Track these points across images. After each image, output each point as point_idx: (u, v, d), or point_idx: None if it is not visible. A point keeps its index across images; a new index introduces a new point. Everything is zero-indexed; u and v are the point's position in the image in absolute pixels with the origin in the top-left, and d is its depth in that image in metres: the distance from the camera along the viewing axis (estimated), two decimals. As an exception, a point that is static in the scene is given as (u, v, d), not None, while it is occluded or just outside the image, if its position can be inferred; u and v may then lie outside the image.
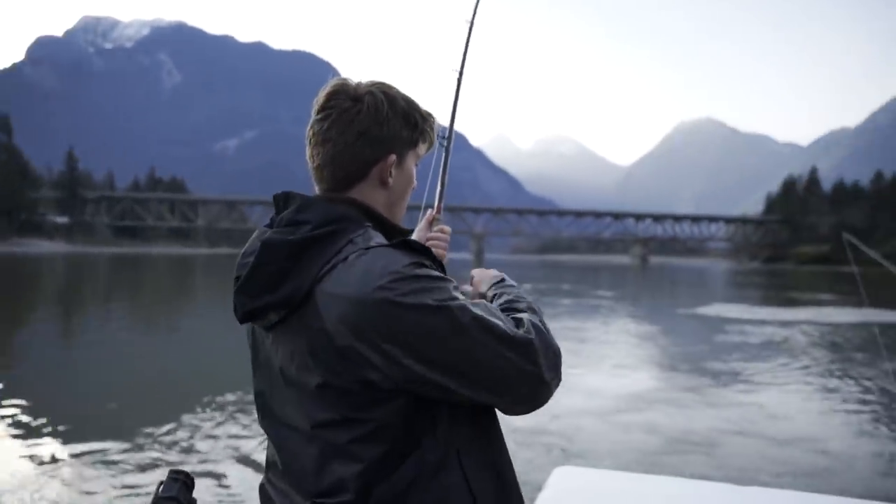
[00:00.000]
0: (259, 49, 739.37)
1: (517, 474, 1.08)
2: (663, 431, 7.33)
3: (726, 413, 8.33)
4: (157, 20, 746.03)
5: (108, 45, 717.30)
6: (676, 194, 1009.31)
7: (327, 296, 1.02)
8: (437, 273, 1.05)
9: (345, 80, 1.16)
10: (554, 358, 1.09)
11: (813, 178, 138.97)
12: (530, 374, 1.05)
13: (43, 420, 6.99)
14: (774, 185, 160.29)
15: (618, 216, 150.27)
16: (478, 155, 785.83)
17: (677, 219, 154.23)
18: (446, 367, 1.01)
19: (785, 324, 19.26)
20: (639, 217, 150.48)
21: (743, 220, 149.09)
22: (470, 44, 1.66)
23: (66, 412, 7.50)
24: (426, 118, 1.21)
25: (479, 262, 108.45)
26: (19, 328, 15.80)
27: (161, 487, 1.05)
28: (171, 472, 1.09)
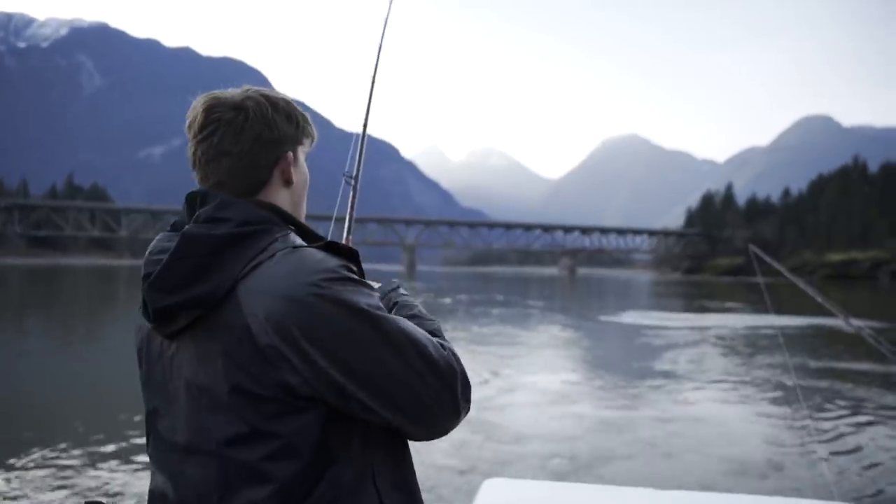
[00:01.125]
0: (186, 54, 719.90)
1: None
2: (586, 419, 8.18)
3: (642, 402, 9.34)
4: (76, 20, 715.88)
5: (22, 44, 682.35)
6: (603, 207, 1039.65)
7: (252, 292, 0.97)
8: (363, 280, 1.03)
9: (215, 93, 1.14)
10: (468, 389, 1.07)
11: (728, 194, 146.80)
12: (449, 403, 1.02)
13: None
14: (694, 200, 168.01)
15: (547, 228, 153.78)
16: (409, 167, 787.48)
17: (604, 231, 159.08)
18: (363, 377, 0.97)
19: (693, 328, 20.91)
20: (567, 229, 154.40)
21: (665, 233, 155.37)
22: (382, 49, 1.60)
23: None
24: (304, 113, 1.21)
25: (412, 273, 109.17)
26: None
27: None
28: (87, 502, 1.05)
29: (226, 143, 1.09)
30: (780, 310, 25.63)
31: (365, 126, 1.67)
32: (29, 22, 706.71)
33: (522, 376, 11.31)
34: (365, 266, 1.03)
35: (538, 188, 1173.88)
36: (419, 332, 1.02)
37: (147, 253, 1.08)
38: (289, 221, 1.11)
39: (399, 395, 0.98)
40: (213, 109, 1.10)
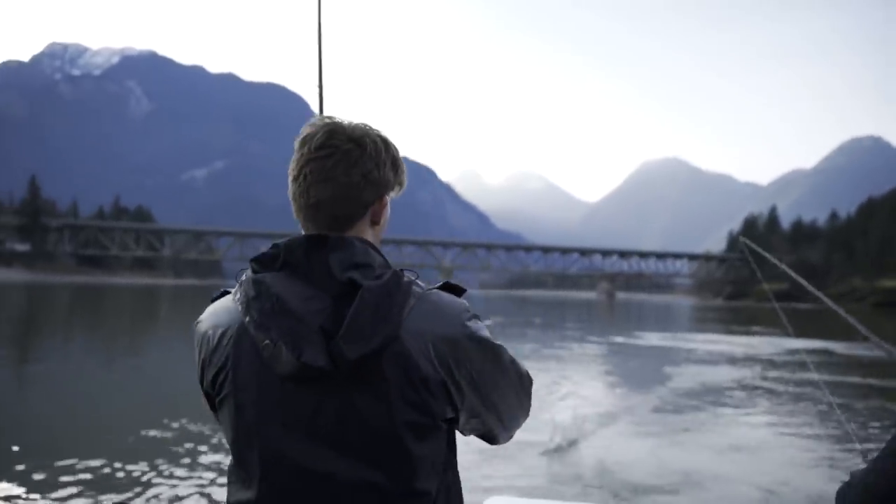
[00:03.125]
0: (230, 80, 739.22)
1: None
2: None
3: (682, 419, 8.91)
4: (127, 48, 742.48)
5: (76, 72, 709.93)
6: (642, 231, 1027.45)
7: (414, 334, 1.07)
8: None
9: (337, 120, 1.19)
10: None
11: (772, 217, 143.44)
12: (528, 410, 1.25)
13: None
14: (736, 224, 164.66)
15: (584, 252, 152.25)
16: (447, 189, 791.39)
17: (643, 255, 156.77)
18: (490, 400, 1.15)
19: (732, 351, 20.55)
20: (605, 253, 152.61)
21: (706, 258, 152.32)
22: (323, 54, 1.70)
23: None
24: (402, 164, 1.25)
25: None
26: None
27: None
28: None
29: (338, 171, 1.14)
30: (803, 333, 25.59)
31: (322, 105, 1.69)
32: (83, 51, 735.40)
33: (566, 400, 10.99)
34: None
35: (576, 211, 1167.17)
36: (512, 353, 1.18)
37: (263, 295, 1.09)
38: (385, 260, 1.18)
39: (506, 409, 1.19)
40: (335, 135, 1.15)
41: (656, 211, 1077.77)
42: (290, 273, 1.11)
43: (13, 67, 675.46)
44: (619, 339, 25.93)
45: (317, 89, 1.64)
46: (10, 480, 5.85)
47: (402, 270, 1.15)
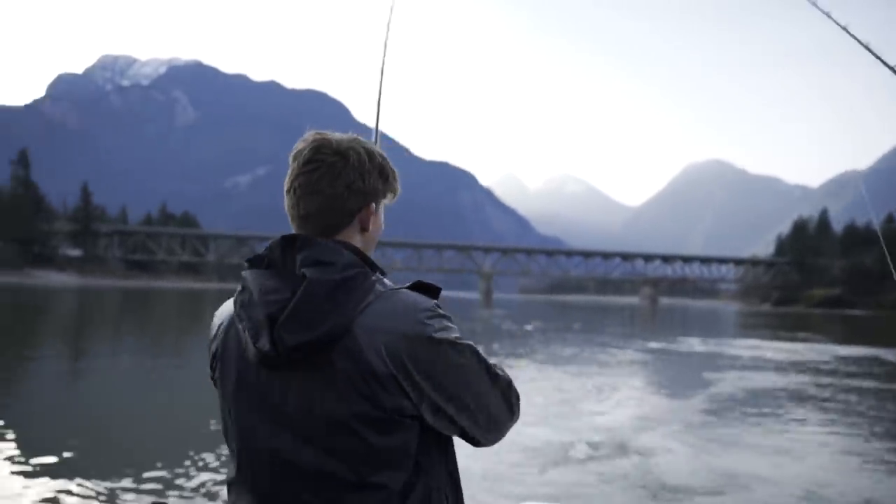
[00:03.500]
0: (272, 88, 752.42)
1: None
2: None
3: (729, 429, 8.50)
4: (173, 59, 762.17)
5: (126, 83, 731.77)
6: (685, 235, 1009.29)
7: (369, 330, 1.12)
8: (447, 313, 1.19)
9: (324, 134, 1.25)
10: (518, 399, 1.29)
11: (823, 220, 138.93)
12: (510, 413, 1.26)
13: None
14: (784, 227, 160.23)
15: (626, 256, 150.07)
16: (487, 194, 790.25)
17: (686, 259, 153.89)
18: (457, 399, 1.16)
19: (776, 357, 19.94)
20: (648, 257, 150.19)
21: (753, 262, 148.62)
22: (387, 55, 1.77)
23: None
24: (394, 172, 1.32)
25: (488, 301, 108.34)
26: (34, 360, 15.95)
27: None
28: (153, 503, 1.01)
29: (323, 183, 1.22)
30: (874, 342, 24.83)
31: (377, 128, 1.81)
32: (132, 62, 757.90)
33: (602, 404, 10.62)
34: (442, 293, 1.19)
35: (617, 215, 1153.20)
36: (484, 354, 1.21)
37: (257, 292, 1.17)
38: (368, 263, 1.22)
39: (479, 410, 1.19)
40: (321, 149, 1.23)
41: (700, 214, 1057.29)
42: (271, 270, 1.19)
43: (67, 79, 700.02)
44: (662, 345, 25.32)
45: (375, 102, 1.75)
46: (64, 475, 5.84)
47: (373, 271, 1.20)
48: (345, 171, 1.22)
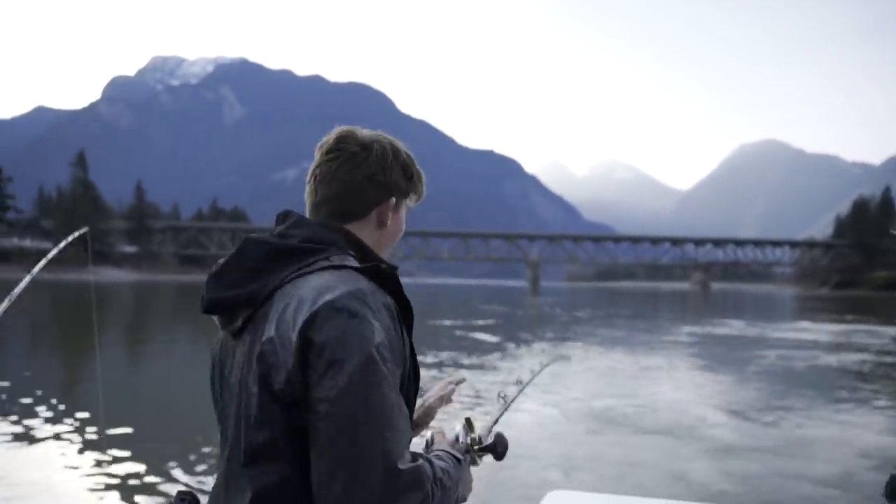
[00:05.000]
0: (316, 82, 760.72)
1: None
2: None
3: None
4: (220, 57, 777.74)
5: (175, 83, 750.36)
6: (738, 218, 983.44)
7: (285, 297, 1.04)
8: (385, 315, 1.04)
9: (352, 128, 1.24)
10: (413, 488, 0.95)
11: (886, 199, 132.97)
12: (375, 498, 0.93)
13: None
14: (843, 208, 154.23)
15: (676, 241, 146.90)
16: (533, 181, 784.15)
17: (739, 243, 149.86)
18: (324, 410, 0.95)
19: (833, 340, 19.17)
20: (698, 242, 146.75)
21: (810, 244, 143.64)
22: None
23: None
24: (420, 171, 1.28)
25: (535, 289, 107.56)
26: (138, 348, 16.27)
27: None
28: (179, 493, 1.09)
29: (342, 171, 1.19)
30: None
31: None
32: (181, 62, 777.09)
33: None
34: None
35: (666, 199, 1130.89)
36: (395, 413, 0.97)
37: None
38: (361, 249, 1.18)
39: (337, 450, 0.94)
40: (344, 140, 1.21)
41: (753, 196, 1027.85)
42: None
43: (121, 82, 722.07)
44: (717, 330, 24.62)
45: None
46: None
47: (371, 262, 1.13)
48: (366, 162, 1.19)
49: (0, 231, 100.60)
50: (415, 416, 1.25)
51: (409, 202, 1.29)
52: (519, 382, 1.67)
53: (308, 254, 1.09)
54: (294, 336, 0.98)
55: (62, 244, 1.90)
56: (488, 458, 1.18)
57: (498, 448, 1.16)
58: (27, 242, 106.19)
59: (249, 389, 1.01)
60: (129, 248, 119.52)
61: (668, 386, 11.58)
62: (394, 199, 1.23)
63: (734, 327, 26.44)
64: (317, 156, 1.23)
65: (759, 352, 17.09)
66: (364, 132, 1.23)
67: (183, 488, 1.04)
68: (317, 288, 1.02)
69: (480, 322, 27.41)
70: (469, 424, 1.20)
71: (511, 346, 18.35)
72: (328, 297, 0.99)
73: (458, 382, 1.52)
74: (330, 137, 1.23)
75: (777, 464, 6.67)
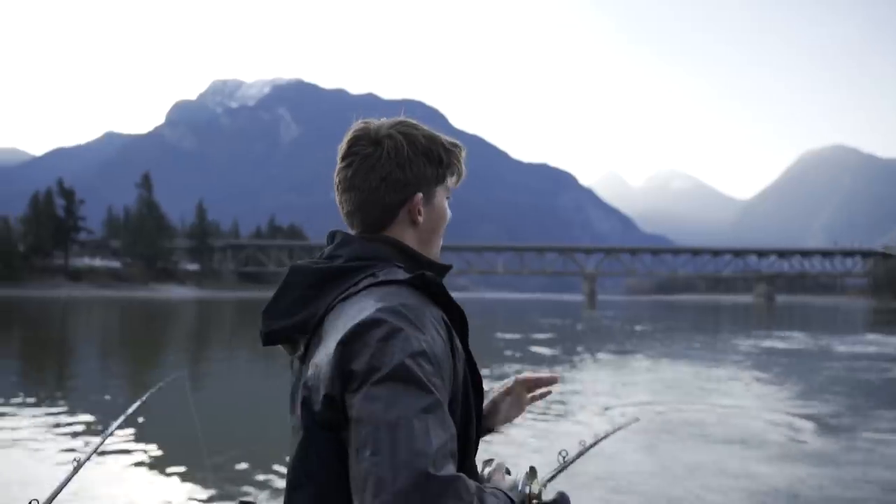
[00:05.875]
0: (370, 100, 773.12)
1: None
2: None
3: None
4: (276, 79, 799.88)
5: (234, 105, 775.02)
6: (804, 228, 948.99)
7: (329, 324, 1.02)
8: (430, 327, 0.98)
9: (366, 122, 1.18)
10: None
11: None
12: (396, 489, 0.84)
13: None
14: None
15: (738, 253, 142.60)
16: (588, 194, 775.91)
17: (805, 254, 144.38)
18: (358, 419, 0.91)
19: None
20: (762, 253, 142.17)
21: (885, 254, 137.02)
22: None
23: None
24: (450, 150, 1.20)
25: (592, 303, 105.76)
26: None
27: None
28: (240, 502, 1.09)
29: (357, 179, 1.14)
30: None
31: None
32: (239, 84, 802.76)
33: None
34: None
35: (727, 210, 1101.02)
36: (431, 421, 0.89)
37: None
38: (408, 255, 1.14)
39: (365, 462, 0.88)
40: (357, 142, 1.16)
41: (820, 205, 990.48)
42: None
43: (183, 106, 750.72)
44: (778, 344, 23.47)
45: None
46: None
47: (419, 267, 1.11)
48: (379, 163, 1.13)
49: (73, 252, 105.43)
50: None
51: (449, 184, 1.22)
52: (582, 443, 1.61)
53: (354, 273, 1.07)
54: (331, 360, 0.95)
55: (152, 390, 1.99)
56: None
57: None
58: (97, 262, 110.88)
59: (298, 412, 1.01)
60: (192, 266, 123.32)
61: (729, 398, 11.56)
62: (420, 194, 1.16)
63: (796, 340, 25.83)
64: (337, 160, 1.19)
65: (823, 363, 17.10)
66: (378, 125, 1.17)
67: (245, 498, 1.05)
68: (357, 309, 0.99)
69: (540, 336, 27.04)
70: (532, 473, 1.12)
71: (574, 359, 18.12)
72: (362, 317, 0.95)
73: (550, 383, 1.34)
74: (345, 139, 1.18)
75: (846, 471, 6.63)
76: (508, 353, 19.46)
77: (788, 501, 5.72)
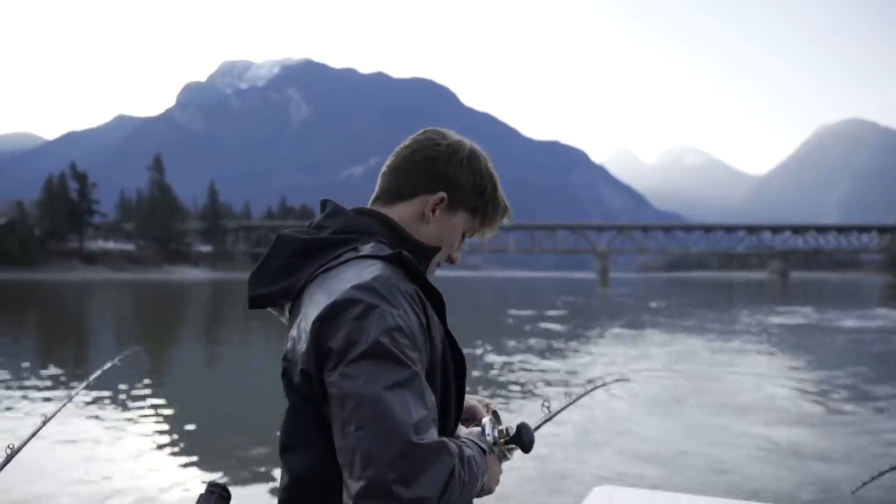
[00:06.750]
0: (380, 79, 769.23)
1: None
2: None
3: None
4: (286, 59, 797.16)
5: (244, 86, 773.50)
6: (819, 204, 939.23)
7: (308, 296, 1.04)
8: (404, 302, 0.99)
9: (442, 130, 1.21)
10: (440, 493, 0.92)
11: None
12: (389, 480, 0.89)
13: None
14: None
15: (752, 229, 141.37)
16: (600, 171, 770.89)
17: (820, 229, 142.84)
18: (339, 396, 0.94)
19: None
20: (776, 229, 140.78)
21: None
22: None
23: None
24: (497, 195, 1.21)
25: (605, 280, 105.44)
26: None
27: (198, 501, 1.06)
28: (209, 484, 1.09)
29: (409, 150, 1.18)
30: None
31: None
32: (248, 65, 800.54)
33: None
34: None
35: (740, 186, 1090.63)
36: (409, 392, 0.93)
37: None
38: (397, 232, 1.14)
39: (348, 444, 0.92)
40: (432, 132, 1.19)
41: (836, 180, 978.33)
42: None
43: (193, 87, 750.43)
44: (788, 319, 23.44)
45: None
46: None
47: (374, 249, 1.07)
48: (432, 150, 1.16)
49: (87, 235, 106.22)
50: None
51: (475, 224, 1.22)
52: (568, 395, 1.63)
53: (337, 245, 1.08)
54: (307, 335, 0.97)
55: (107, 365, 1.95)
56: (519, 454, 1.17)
57: (524, 438, 1.13)
58: (111, 244, 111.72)
59: (283, 381, 1.03)
60: (205, 248, 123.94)
61: (737, 368, 11.95)
62: (445, 197, 1.16)
63: (807, 315, 25.94)
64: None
65: (830, 337, 17.61)
66: (454, 135, 1.21)
67: (215, 479, 1.03)
68: (335, 283, 1.00)
69: (553, 313, 27.06)
70: (496, 417, 1.18)
71: (589, 334, 18.28)
72: (336, 296, 0.97)
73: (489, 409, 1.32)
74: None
75: (843, 433, 7.09)
76: (526, 328, 19.68)
77: (788, 457, 6.04)
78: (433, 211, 1.16)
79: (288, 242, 1.10)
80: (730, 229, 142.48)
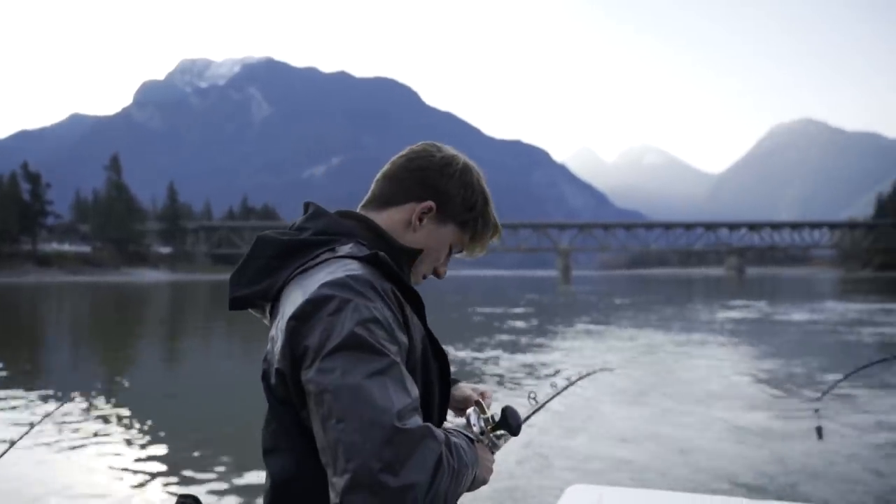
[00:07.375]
0: (342, 78, 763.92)
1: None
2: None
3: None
4: (247, 57, 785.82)
5: (204, 85, 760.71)
6: (774, 201, 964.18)
7: (286, 297, 1.02)
8: (378, 300, 0.97)
9: (447, 147, 1.22)
10: (430, 478, 0.87)
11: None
12: (375, 469, 0.85)
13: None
14: (886, 186, 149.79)
15: (710, 226, 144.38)
16: (561, 170, 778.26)
17: (775, 226, 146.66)
18: (315, 392, 0.92)
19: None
20: (732, 226, 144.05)
21: (850, 225, 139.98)
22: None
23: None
24: (487, 216, 1.22)
25: (567, 278, 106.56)
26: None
27: None
28: (180, 497, 1.06)
29: (404, 159, 1.19)
30: None
31: None
32: (208, 64, 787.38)
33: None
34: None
35: (699, 184, 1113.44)
36: (388, 381, 0.91)
37: None
38: (379, 235, 1.14)
39: (328, 440, 0.90)
40: (426, 146, 1.20)
41: (790, 178, 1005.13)
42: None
43: (151, 86, 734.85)
44: (740, 314, 24.23)
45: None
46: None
47: (354, 250, 1.06)
48: (426, 160, 1.17)
49: (41, 237, 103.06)
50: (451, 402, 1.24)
51: (464, 237, 1.22)
52: (553, 386, 1.65)
53: (316, 246, 1.08)
54: (283, 336, 0.96)
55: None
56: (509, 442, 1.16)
57: (510, 421, 1.12)
58: (66, 247, 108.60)
59: (262, 384, 1.02)
60: (164, 249, 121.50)
61: (699, 360, 12.47)
62: (434, 206, 1.16)
63: (760, 309, 26.86)
64: None
65: (782, 329, 18.55)
66: (453, 151, 1.22)
67: (185, 492, 0.94)
68: (311, 282, 0.99)
69: (518, 310, 27.33)
70: (480, 406, 1.16)
71: (551, 331, 18.40)
72: (310, 294, 0.96)
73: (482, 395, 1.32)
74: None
75: (794, 415, 7.56)
76: (495, 324, 19.98)
77: (751, 436, 6.55)
78: (420, 219, 1.16)
79: (268, 244, 1.09)
80: (689, 227, 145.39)
